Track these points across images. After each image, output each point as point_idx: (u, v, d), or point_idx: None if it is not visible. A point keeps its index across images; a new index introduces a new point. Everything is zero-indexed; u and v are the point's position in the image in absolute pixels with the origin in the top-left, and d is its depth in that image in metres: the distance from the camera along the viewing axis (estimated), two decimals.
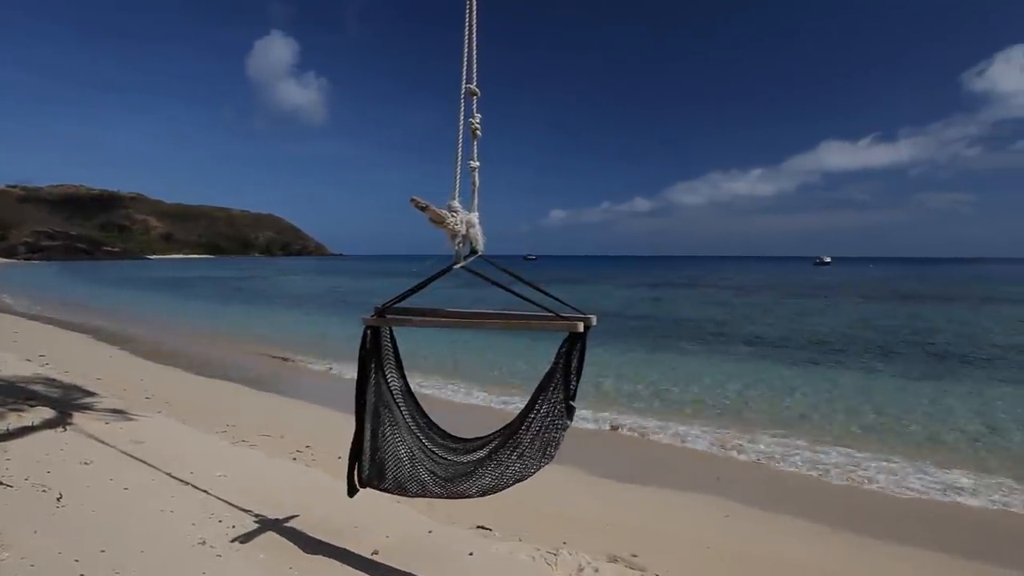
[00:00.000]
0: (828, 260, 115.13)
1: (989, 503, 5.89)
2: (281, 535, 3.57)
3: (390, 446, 3.18)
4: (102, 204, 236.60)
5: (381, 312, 3.11)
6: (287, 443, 6.38)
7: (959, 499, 5.97)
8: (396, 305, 3.15)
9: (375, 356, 3.14)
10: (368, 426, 3.18)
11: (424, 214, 2.80)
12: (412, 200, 2.75)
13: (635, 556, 4.10)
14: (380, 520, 3.99)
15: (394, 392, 3.19)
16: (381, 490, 3.24)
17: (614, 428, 8.25)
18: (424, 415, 3.24)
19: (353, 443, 3.25)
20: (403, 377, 3.24)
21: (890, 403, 9.75)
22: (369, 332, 3.11)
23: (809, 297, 35.26)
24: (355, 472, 3.28)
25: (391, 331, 3.17)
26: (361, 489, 3.29)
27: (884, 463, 6.95)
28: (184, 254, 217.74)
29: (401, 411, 3.19)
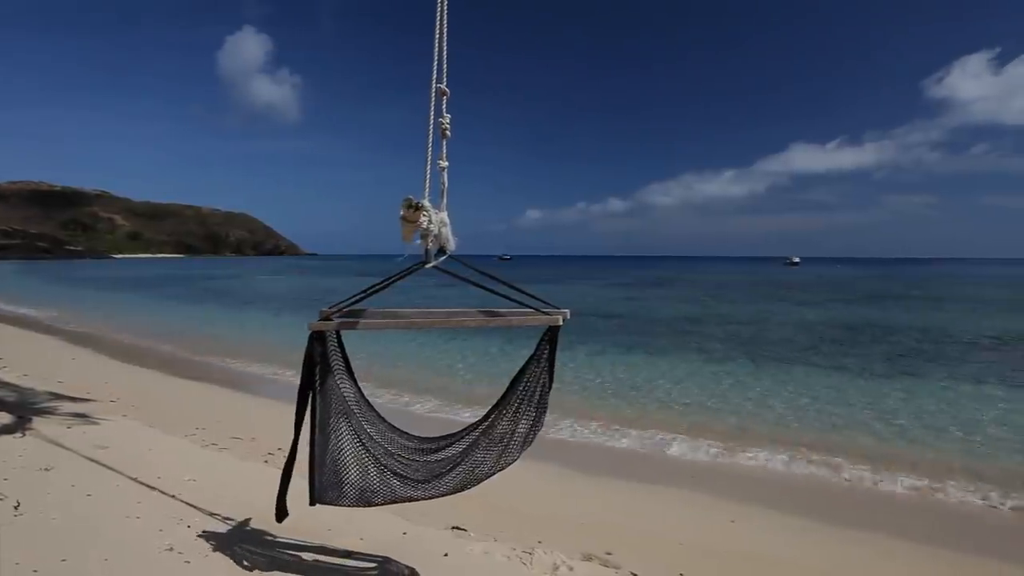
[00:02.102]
0: (797, 260, 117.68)
1: (964, 495, 6.08)
2: (253, 539, 3.51)
3: (347, 457, 3.01)
4: (66, 201, 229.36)
5: (328, 316, 2.97)
6: (259, 446, 6.27)
7: (942, 493, 6.14)
8: (353, 307, 3.03)
9: (322, 363, 2.97)
10: (317, 439, 2.98)
11: (407, 212, 2.75)
12: (408, 198, 2.72)
13: (609, 554, 4.13)
14: (354, 522, 3.94)
15: (347, 399, 3.04)
16: (340, 505, 3.02)
17: (588, 427, 8.31)
18: (383, 420, 3.18)
19: (287, 462, 3.04)
20: (355, 382, 3.11)
21: (857, 400, 10.01)
22: (315, 338, 2.94)
23: (780, 298, 35.97)
24: (286, 494, 3.08)
25: (338, 335, 3.03)
26: (312, 506, 3.04)
27: (857, 458, 7.12)
28: (152, 253, 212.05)
29: (357, 418, 3.06)
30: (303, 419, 2.99)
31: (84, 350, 13.11)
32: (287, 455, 3.08)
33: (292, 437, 3.03)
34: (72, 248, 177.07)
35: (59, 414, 6.38)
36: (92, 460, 4.71)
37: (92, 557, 3.11)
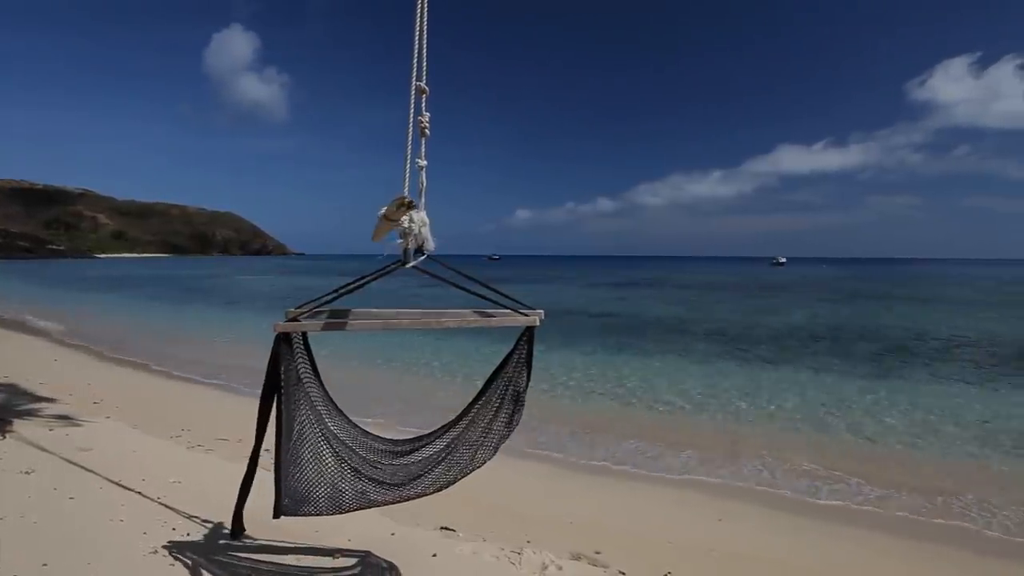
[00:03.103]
0: (783, 260, 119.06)
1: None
2: (238, 541, 3.48)
3: (316, 463, 2.91)
4: (48, 200, 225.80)
5: (295, 317, 2.87)
6: (245, 447, 6.15)
7: (936, 490, 6.18)
8: (323, 307, 2.96)
9: (288, 367, 2.85)
10: (283, 447, 2.84)
11: (393, 211, 2.74)
12: (402, 196, 2.70)
13: (598, 553, 4.14)
14: (342, 523, 3.92)
15: (315, 403, 2.96)
16: (308, 515, 2.91)
17: (575, 426, 8.32)
18: (353, 424, 3.13)
19: (247, 473, 2.95)
20: (322, 386, 3.03)
21: (842, 398, 10.12)
22: (282, 339, 2.81)
23: (766, 298, 36.30)
24: (243, 509, 2.99)
25: (305, 337, 2.94)
26: (276, 519, 2.92)
27: (846, 455, 7.18)
28: (137, 253, 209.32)
29: (326, 422, 2.98)
30: (265, 428, 2.90)
31: (66, 350, 12.93)
32: (247, 464, 2.99)
33: (252, 446, 2.94)
34: (54, 247, 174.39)
35: (41, 416, 6.28)
36: (74, 463, 4.65)
37: (74, 561, 3.06)
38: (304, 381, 2.91)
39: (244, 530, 2.99)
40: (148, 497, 4.09)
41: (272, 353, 2.83)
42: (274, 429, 2.88)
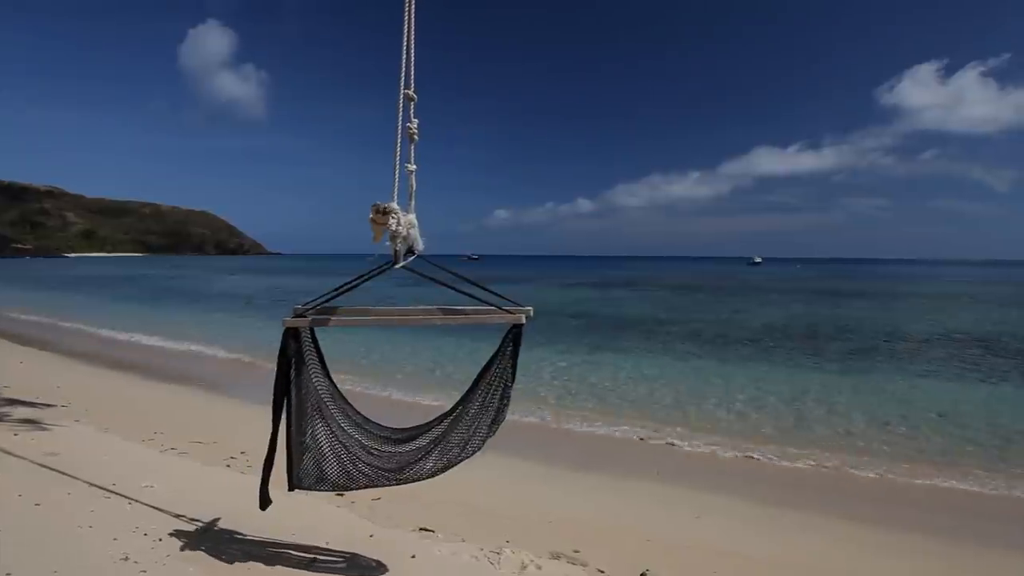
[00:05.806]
0: (759, 260, 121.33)
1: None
2: (213, 546, 3.41)
3: (323, 447, 3.14)
4: (12, 197, 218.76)
5: (301, 313, 3.06)
6: (220, 449, 6.11)
7: (922, 482, 6.37)
8: (326, 305, 3.12)
9: (297, 359, 3.06)
10: (294, 431, 3.09)
11: (376, 216, 2.90)
12: (375, 204, 2.89)
13: (577, 552, 4.16)
14: (320, 526, 3.88)
15: (321, 393, 3.15)
16: (317, 490, 3.22)
17: (555, 424, 8.36)
18: (357, 412, 3.30)
19: (268, 453, 3.15)
20: (328, 377, 3.21)
21: (819, 393, 10.33)
22: (290, 334, 3.03)
23: (743, 297, 36.85)
24: (268, 483, 3.20)
25: (312, 332, 3.12)
26: (290, 491, 3.20)
27: (830, 451, 7.35)
28: (108, 252, 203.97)
29: (331, 410, 3.18)
30: (280, 413, 3.06)
31: (33, 352, 12.55)
32: (267, 446, 3.12)
33: (271, 430, 3.08)
34: (20, 246, 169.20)
35: (6, 421, 6.09)
36: (42, 468, 4.52)
37: (40, 569, 2.98)
38: (311, 371, 3.11)
39: (271, 503, 3.25)
40: (120, 501, 4.00)
41: (281, 346, 3.02)
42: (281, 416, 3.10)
